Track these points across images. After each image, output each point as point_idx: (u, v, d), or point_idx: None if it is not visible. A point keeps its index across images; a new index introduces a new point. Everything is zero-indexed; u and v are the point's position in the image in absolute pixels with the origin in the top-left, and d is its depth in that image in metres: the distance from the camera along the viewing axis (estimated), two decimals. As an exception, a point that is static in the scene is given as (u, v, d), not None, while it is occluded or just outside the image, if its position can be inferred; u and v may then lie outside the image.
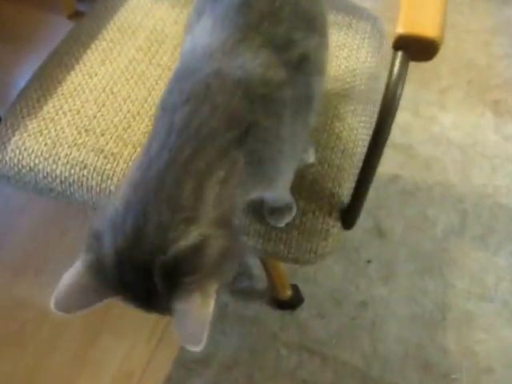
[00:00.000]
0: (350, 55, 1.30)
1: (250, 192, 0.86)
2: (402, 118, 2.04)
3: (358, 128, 1.19)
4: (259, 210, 1.07)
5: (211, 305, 0.68)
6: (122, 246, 0.70)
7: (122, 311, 1.51)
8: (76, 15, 2.25)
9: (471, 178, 1.92)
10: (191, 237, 0.69)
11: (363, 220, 1.77)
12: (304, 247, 1.06)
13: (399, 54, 0.82)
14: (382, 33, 1.39)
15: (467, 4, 2.49)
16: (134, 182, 0.74)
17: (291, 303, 1.64)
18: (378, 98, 1.26)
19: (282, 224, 1.06)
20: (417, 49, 0.81)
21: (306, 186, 1.09)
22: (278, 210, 1.05)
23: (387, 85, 0.84)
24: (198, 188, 0.72)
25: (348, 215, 1.09)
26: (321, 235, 1.06)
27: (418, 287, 1.68)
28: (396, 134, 1.99)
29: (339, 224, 1.08)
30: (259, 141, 0.81)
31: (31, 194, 1.23)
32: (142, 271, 0.69)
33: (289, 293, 1.60)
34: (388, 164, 1.93)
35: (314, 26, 0.93)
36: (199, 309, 0.68)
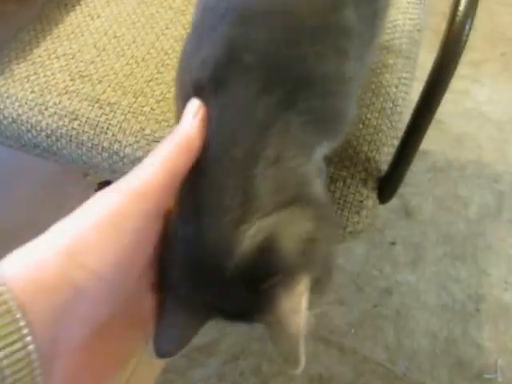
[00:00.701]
0: (388, 4, 1.10)
1: (318, 150, 0.65)
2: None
3: (397, 85, 1.00)
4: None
5: (302, 308, 0.49)
6: (193, 273, 0.54)
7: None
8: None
9: (508, 158, 1.73)
10: (250, 237, 0.51)
11: (388, 198, 1.60)
12: (332, 221, 0.87)
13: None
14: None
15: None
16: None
17: (307, 286, 1.43)
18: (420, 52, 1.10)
19: None
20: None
21: (337, 148, 0.90)
22: None
23: (452, 19, 0.66)
24: (242, 181, 0.53)
25: (386, 186, 0.90)
26: (352, 208, 0.87)
27: (448, 274, 1.50)
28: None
29: (375, 196, 0.89)
30: (318, 93, 0.59)
31: (29, 157, 1.06)
32: (223, 291, 0.54)
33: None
34: (417, 138, 1.74)
35: None
36: (287, 317, 0.50)
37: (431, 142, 1.73)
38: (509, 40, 2.09)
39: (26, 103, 0.97)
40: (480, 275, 1.49)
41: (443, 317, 1.43)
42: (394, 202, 1.59)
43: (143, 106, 0.95)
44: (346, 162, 0.89)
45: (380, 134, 0.93)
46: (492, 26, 2.13)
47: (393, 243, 1.54)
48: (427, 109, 0.76)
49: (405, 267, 1.50)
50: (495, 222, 1.58)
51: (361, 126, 0.93)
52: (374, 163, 0.90)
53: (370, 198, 0.88)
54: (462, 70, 1.92)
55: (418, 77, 1.09)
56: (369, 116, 0.94)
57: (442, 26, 0.64)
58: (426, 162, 1.70)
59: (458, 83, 1.92)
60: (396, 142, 0.95)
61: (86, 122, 0.94)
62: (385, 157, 0.92)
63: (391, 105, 0.97)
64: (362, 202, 0.88)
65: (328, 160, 0.88)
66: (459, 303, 1.45)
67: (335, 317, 1.42)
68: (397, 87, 0.99)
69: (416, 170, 1.67)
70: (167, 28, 1.06)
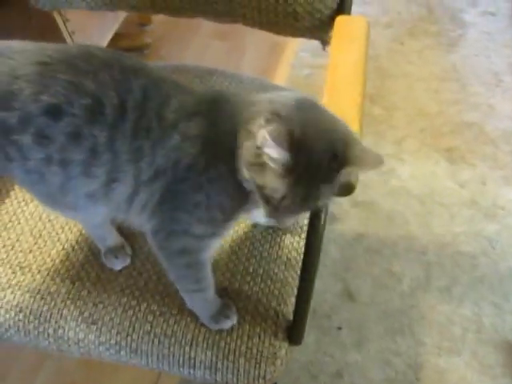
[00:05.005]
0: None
1: None
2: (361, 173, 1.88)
3: (300, 233, 1.02)
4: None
5: None
6: None
7: None
8: None
9: (432, 228, 1.76)
10: None
11: (332, 284, 1.61)
12: (252, 374, 0.90)
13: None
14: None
15: (417, 53, 2.35)
16: None
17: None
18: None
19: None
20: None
21: (251, 308, 0.93)
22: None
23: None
24: None
25: (294, 331, 0.92)
26: (268, 360, 0.90)
27: (390, 349, 1.51)
28: (357, 191, 1.82)
29: (286, 344, 0.92)
30: None
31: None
32: None
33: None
34: (351, 222, 1.77)
35: None
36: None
37: (365, 224, 1.76)
38: (427, 114, 2.11)
39: (-26, 299, 0.98)
40: (417, 345, 1.50)
41: (389, 390, 1.43)
42: (337, 286, 1.61)
43: (80, 291, 0.96)
44: (258, 319, 0.92)
45: (287, 287, 0.96)
46: (411, 102, 2.15)
47: (339, 328, 1.54)
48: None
49: (352, 348, 1.50)
50: (425, 293, 1.60)
51: (269, 282, 0.95)
52: (282, 315, 0.93)
53: (282, 347, 0.91)
54: (387, 148, 1.95)
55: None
56: (276, 271, 0.97)
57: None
58: (362, 244, 1.71)
59: (385, 162, 1.93)
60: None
61: (30, 313, 0.96)
62: (292, 306, 0.94)
63: (295, 254, 0.99)
64: (275, 353, 0.90)
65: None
66: (401, 374, 1.45)
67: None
68: (299, 235, 1.01)
69: (354, 253, 1.69)
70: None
